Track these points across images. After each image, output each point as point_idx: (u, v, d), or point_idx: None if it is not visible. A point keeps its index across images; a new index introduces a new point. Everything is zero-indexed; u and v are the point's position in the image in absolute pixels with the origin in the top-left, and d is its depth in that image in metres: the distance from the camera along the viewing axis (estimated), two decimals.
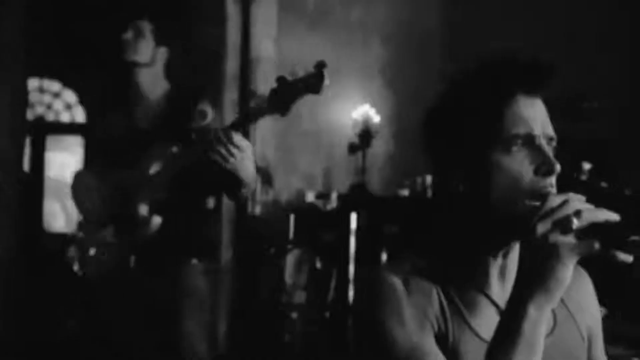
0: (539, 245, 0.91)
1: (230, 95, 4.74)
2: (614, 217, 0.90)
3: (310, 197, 4.50)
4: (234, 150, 1.99)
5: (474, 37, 5.29)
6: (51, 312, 4.32)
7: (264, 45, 5.04)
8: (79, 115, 7.43)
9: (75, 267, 2.30)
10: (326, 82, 2.03)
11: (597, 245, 0.89)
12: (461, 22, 5.48)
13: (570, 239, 0.90)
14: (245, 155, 2.01)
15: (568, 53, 3.83)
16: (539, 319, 0.91)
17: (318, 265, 4.27)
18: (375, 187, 5.02)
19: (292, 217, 4.48)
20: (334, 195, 4.50)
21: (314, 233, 4.36)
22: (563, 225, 0.90)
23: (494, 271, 1.05)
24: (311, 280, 4.27)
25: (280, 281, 4.15)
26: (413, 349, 0.97)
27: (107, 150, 2.40)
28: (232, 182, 2.07)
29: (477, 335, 1.02)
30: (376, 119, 5.19)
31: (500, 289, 1.05)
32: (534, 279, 0.91)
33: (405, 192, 4.25)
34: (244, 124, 2.06)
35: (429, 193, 4.12)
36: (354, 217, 4.22)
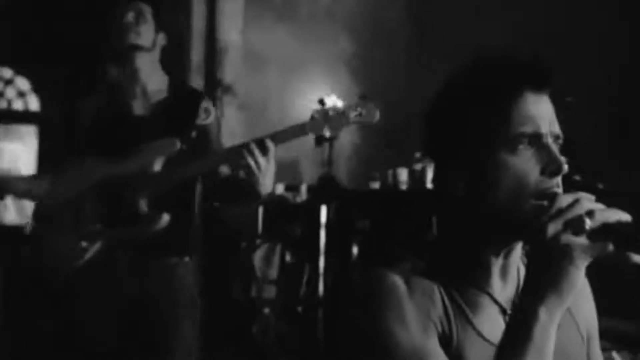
0: (549, 246, 0.89)
1: (196, 83, 4.67)
2: (626, 217, 0.89)
3: (279, 189, 4.46)
4: (263, 165, 1.99)
5: (440, 30, 5.33)
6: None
7: (230, 35, 4.98)
8: (33, 104, 7.19)
9: (59, 259, 2.18)
10: (377, 116, 2.09)
11: (610, 247, 0.87)
12: (427, 15, 5.50)
13: (582, 240, 0.88)
14: (270, 171, 2.01)
15: (540, 47, 3.87)
16: (549, 323, 0.90)
17: (288, 258, 4.24)
18: (342, 179, 5.02)
19: (260, 210, 4.43)
20: (303, 188, 4.47)
21: (284, 226, 4.32)
22: (575, 226, 0.88)
23: (496, 270, 1.03)
24: (282, 274, 4.24)
25: (251, 276, 4.11)
26: (416, 352, 0.94)
27: (93, 137, 2.26)
28: (247, 193, 2.06)
29: (480, 335, 1.00)
30: None
31: (502, 288, 1.04)
32: (544, 281, 0.89)
33: (376, 185, 4.24)
34: (280, 139, 2.06)
35: (401, 186, 4.12)
36: (324, 210, 4.19)
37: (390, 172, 4.18)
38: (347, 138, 5.33)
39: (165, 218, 2.12)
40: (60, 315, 2.24)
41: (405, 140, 5.09)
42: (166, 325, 2.17)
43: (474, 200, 1.00)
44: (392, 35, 5.66)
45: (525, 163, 0.97)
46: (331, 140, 5.15)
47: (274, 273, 4.34)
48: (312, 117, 2.07)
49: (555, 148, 0.99)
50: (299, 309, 3.98)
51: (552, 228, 0.89)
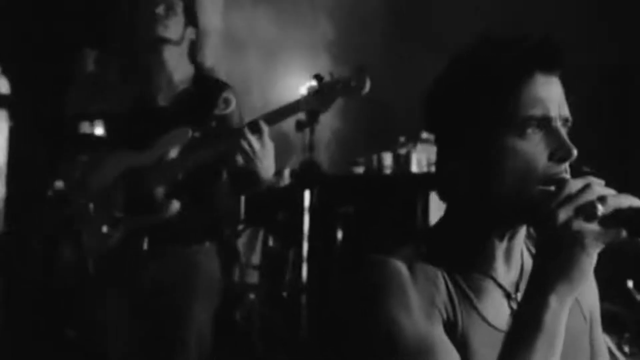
0: (560, 233, 0.87)
1: None
2: (637, 202, 0.88)
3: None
4: (258, 149, 1.99)
5: (419, 15, 5.32)
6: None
7: (211, 18, 4.90)
8: (3, 86, 7.01)
9: (85, 246, 2.24)
10: (368, 86, 2.07)
11: (624, 233, 0.86)
12: (406, 2, 5.49)
13: (594, 226, 0.86)
14: (267, 154, 2.02)
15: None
16: (560, 311, 0.88)
17: (271, 243, 4.21)
18: (323, 164, 5.01)
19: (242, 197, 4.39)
20: (286, 172, 4.44)
21: (267, 211, 4.29)
22: (587, 212, 0.86)
23: (500, 254, 1.01)
24: (265, 260, 4.21)
25: (234, 261, 4.07)
26: (421, 339, 0.92)
27: (116, 127, 2.32)
28: (248, 179, 2.07)
29: (485, 320, 0.98)
30: None
31: (506, 272, 1.02)
32: (555, 269, 0.88)
33: (360, 170, 4.23)
34: (274, 120, 2.07)
35: (385, 171, 4.12)
36: (307, 195, 4.17)
37: (374, 156, 4.16)
38: (328, 124, 5.31)
39: (176, 205, 2.14)
40: (86, 305, 2.31)
41: (387, 125, 5.10)
42: (179, 312, 2.17)
43: (479, 183, 0.98)
44: (371, 21, 5.64)
45: (533, 147, 0.94)
46: (311, 125, 5.18)
47: (256, 258, 4.31)
48: (308, 93, 2.08)
49: (564, 132, 0.96)
50: (284, 294, 3.96)
51: (563, 214, 0.87)
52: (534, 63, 0.96)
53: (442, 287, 0.97)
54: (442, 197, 1.06)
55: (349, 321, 0.98)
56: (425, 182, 3.95)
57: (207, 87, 2.30)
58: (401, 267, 0.95)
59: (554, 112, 0.96)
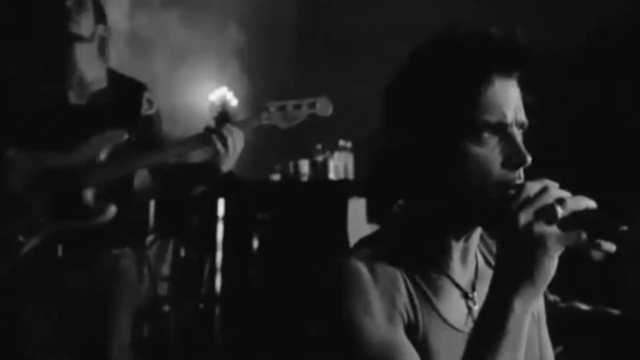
0: (522, 237, 0.87)
1: None
2: (592, 204, 0.89)
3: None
4: (238, 146, 2.10)
5: (329, 23, 5.34)
6: None
7: (115, 18, 4.69)
8: None
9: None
10: (328, 115, 2.21)
11: (584, 236, 0.86)
12: (316, 8, 5.51)
13: (555, 229, 0.86)
14: (235, 151, 2.11)
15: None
16: (524, 314, 0.88)
17: (183, 254, 4.04)
18: (235, 171, 4.90)
19: (152, 203, 4.19)
20: None
21: (179, 220, 4.12)
22: (547, 215, 0.86)
23: (456, 254, 1.01)
24: (176, 271, 4.03)
25: (149, 273, 3.88)
26: (383, 342, 0.91)
27: (30, 125, 2.16)
28: (208, 176, 2.18)
29: (445, 321, 0.98)
30: (234, 102, 5.05)
31: (462, 272, 1.02)
32: (518, 272, 0.87)
33: (276, 177, 4.15)
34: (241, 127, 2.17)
35: (302, 178, 4.07)
36: (221, 202, 4.05)
37: (291, 163, 4.11)
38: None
39: (112, 210, 2.11)
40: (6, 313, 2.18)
41: (300, 132, 5.06)
42: (105, 317, 2.13)
43: (436, 187, 0.97)
44: (280, 26, 5.61)
45: (488, 152, 0.94)
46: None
47: (166, 269, 4.12)
48: (268, 110, 2.19)
49: (519, 138, 0.96)
50: (200, 305, 3.80)
51: (524, 218, 0.87)
52: (493, 68, 0.94)
53: (403, 288, 0.96)
54: (389, 199, 1.03)
55: (313, 324, 0.96)
56: (343, 189, 3.93)
57: (125, 88, 2.28)
58: (362, 268, 0.94)
59: (510, 118, 0.95)
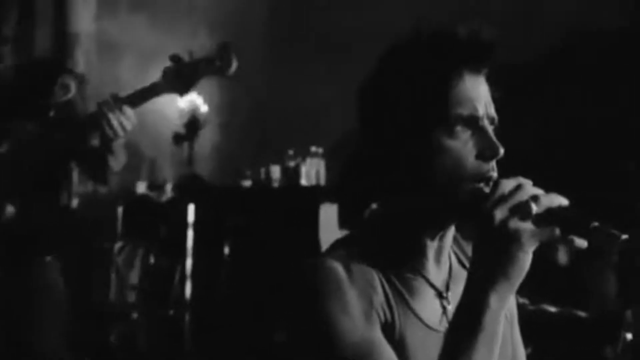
0: (498, 233, 0.88)
1: None
2: (565, 201, 0.90)
3: (141, 188, 4.19)
4: (125, 123, 1.88)
5: (300, 28, 5.34)
6: None
7: (83, 23, 4.64)
8: None
9: None
10: (234, 65, 1.96)
11: (557, 232, 0.88)
12: (286, 12, 5.50)
13: (529, 225, 0.88)
14: (120, 142, 1.94)
15: None
16: (500, 310, 0.89)
17: (152, 260, 3.99)
18: (205, 177, 4.86)
19: (120, 211, 4.14)
20: (168, 186, 4.24)
21: (148, 227, 4.07)
22: (522, 212, 0.87)
23: (431, 254, 1.01)
24: (145, 278, 3.98)
25: (111, 280, 3.82)
26: (361, 341, 0.90)
27: None
28: (105, 162, 1.96)
29: (421, 321, 0.98)
30: (204, 108, 5.01)
31: (437, 271, 1.03)
32: (494, 268, 0.88)
33: (247, 183, 4.13)
34: (135, 102, 1.95)
35: (273, 183, 4.05)
36: (191, 209, 4.01)
37: (262, 169, 4.09)
38: (208, 137, 5.17)
39: (10, 210, 1.92)
40: None
41: (271, 137, 5.04)
42: (30, 327, 2.00)
43: (410, 182, 0.97)
44: (252, 32, 5.59)
45: (461, 146, 0.95)
46: (190, 139, 5.01)
47: (134, 277, 4.07)
48: (164, 75, 1.98)
49: (491, 131, 0.97)
50: (170, 312, 3.75)
51: (499, 214, 0.88)
52: (462, 63, 0.96)
53: (379, 288, 0.96)
54: (362, 202, 1.05)
55: (289, 324, 0.95)
56: (314, 194, 3.93)
57: (34, 74, 2.10)
58: (338, 267, 0.93)
59: (481, 112, 0.96)
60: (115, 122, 1.87)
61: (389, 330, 0.94)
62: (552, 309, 2.41)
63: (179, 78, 1.96)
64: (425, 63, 0.96)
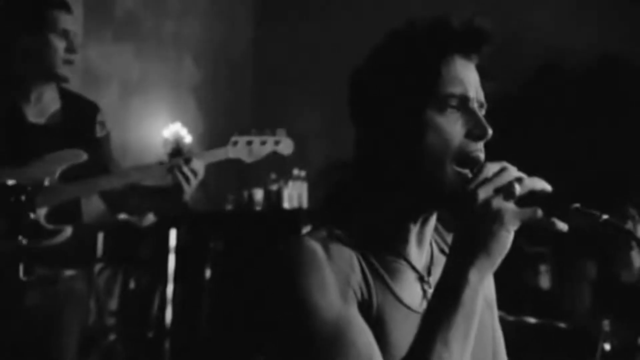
0: (481, 211, 0.90)
1: None
2: (547, 186, 0.93)
3: (122, 214, 4.15)
4: (192, 179, 2.13)
5: (285, 59, 5.40)
6: None
7: None
8: None
9: None
10: (292, 149, 2.33)
11: (540, 213, 0.90)
12: (272, 44, 5.57)
13: (512, 205, 0.90)
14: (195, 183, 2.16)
15: None
16: (479, 285, 0.90)
17: (132, 285, 3.94)
18: (188, 202, 4.83)
19: (100, 236, 4.09)
20: (150, 215, 4.21)
21: (129, 252, 4.03)
22: (505, 192, 0.90)
23: (413, 238, 1.03)
24: (125, 304, 3.92)
25: (96, 305, 3.76)
26: (336, 319, 0.91)
27: None
28: (172, 203, 2.22)
29: (400, 301, 0.99)
30: (188, 138, 5.02)
31: (418, 255, 1.04)
32: (475, 244, 0.90)
33: (229, 207, 4.11)
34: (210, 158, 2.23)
35: (256, 207, 4.04)
36: (173, 233, 3.98)
37: (245, 192, 4.08)
38: None
39: (68, 231, 2.07)
40: None
41: (251, 166, 5.02)
42: (52, 338, 2.08)
43: (398, 162, 0.99)
44: (237, 61, 5.64)
45: (451, 125, 0.97)
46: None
47: (114, 303, 4.00)
48: (234, 143, 2.25)
49: (480, 114, 1.00)
50: (150, 334, 3.69)
51: (483, 193, 0.90)
52: (454, 45, 1.00)
53: (357, 267, 0.97)
54: (360, 180, 1.05)
55: (266, 301, 0.96)
56: (297, 218, 3.92)
57: (79, 108, 2.25)
58: (316, 246, 0.95)
59: (472, 93, 0.99)
60: (190, 175, 2.14)
61: (366, 308, 0.95)
62: (532, 321, 2.41)
63: (250, 148, 2.27)
64: (418, 46, 0.99)
